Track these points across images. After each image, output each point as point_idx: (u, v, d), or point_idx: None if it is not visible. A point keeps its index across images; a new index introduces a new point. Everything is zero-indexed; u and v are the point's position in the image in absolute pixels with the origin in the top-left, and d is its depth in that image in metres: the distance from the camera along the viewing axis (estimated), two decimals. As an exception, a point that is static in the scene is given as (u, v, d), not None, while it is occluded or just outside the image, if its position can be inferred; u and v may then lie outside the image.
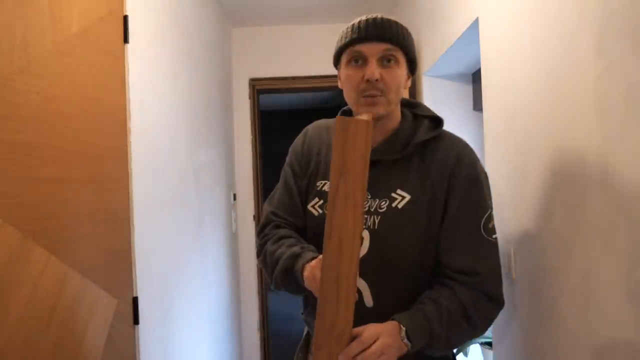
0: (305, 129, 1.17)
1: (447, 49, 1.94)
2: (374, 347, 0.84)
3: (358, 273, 0.84)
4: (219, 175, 2.77)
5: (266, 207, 1.15)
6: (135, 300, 1.40)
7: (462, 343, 0.98)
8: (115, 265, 1.31)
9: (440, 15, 2.03)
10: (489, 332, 1.83)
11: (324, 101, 5.37)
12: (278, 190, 1.14)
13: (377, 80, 0.94)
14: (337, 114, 1.11)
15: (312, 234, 1.06)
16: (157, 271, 1.63)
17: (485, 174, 1.02)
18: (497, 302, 0.98)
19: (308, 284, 0.91)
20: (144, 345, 1.45)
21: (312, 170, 1.10)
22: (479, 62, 1.57)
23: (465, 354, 1.92)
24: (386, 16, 0.98)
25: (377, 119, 0.97)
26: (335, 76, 1.08)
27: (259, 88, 3.36)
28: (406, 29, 1.00)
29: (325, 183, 1.06)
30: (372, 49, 0.95)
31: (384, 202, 0.98)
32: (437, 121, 1.04)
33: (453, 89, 2.41)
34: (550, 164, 1.06)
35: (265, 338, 3.40)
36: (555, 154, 1.03)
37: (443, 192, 0.97)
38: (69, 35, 1.14)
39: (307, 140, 1.13)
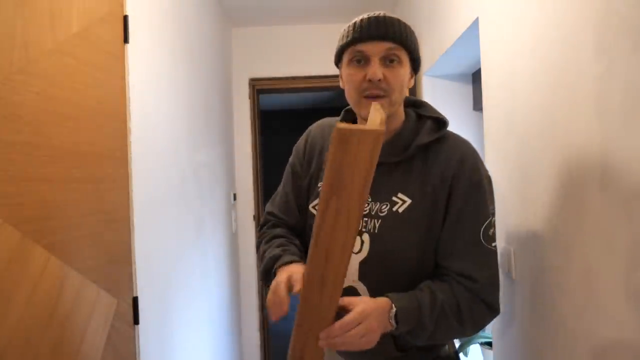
0: (309, 128, 1.16)
1: (447, 49, 1.94)
2: (355, 330, 0.82)
3: (357, 275, 0.83)
4: (219, 175, 2.77)
5: (267, 206, 1.19)
6: (135, 300, 1.40)
7: (446, 340, 0.97)
8: (115, 265, 1.31)
9: (440, 15, 2.03)
10: (489, 332, 1.83)
11: (324, 101, 5.37)
12: (279, 190, 1.17)
13: (379, 80, 0.92)
14: (339, 114, 1.12)
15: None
16: (157, 271, 1.63)
17: (489, 178, 1.00)
18: (492, 309, 0.96)
19: (269, 295, 0.89)
20: (144, 345, 1.45)
21: (314, 170, 1.09)
22: (479, 62, 1.57)
23: (466, 354, 1.92)
24: (389, 14, 0.95)
25: None
26: (335, 76, 1.06)
27: (259, 88, 3.37)
28: (409, 27, 0.97)
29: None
30: (375, 48, 0.92)
31: (384, 206, 0.97)
32: (441, 122, 1.01)
33: (453, 89, 2.41)
34: (550, 164, 1.06)
35: (265, 338, 3.41)
36: (555, 153, 1.03)
37: (444, 196, 0.95)
38: (69, 35, 1.14)
39: (309, 140, 1.13)
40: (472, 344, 1.88)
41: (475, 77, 2.30)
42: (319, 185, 1.07)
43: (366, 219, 0.97)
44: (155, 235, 1.63)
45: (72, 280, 1.10)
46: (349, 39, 0.95)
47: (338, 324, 0.81)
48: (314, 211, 1.05)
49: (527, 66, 1.15)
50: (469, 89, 2.40)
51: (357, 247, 0.97)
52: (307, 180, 1.10)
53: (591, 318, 0.90)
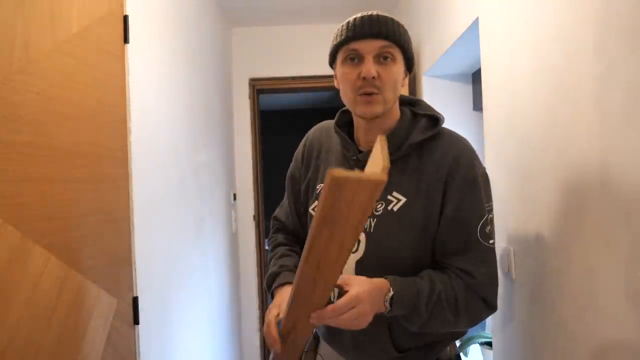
0: (307, 134, 1.18)
1: (447, 49, 1.94)
2: (347, 315, 0.81)
3: (353, 274, 0.83)
4: (219, 175, 2.77)
5: (275, 212, 1.25)
6: (135, 300, 1.40)
7: (439, 331, 0.96)
8: (115, 265, 1.31)
9: (440, 15, 2.03)
10: (489, 332, 1.83)
11: (324, 101, 5.37)
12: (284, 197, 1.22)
13: (373, 77, 0.92)
14: (337, 116, 1.12)
15: None
16: (157, 271, 1.63)
17: (486, 175, 0.99)
18: (489, 306, 0.96)
19: (265, 328, 0.92)
20: (144, 345, 1.45)
21: (312, 174, 1.11)
22: (479, 62, 1.57)
23: (466, 354, 1.92)
24: (382, 13, 0.95)
25: (374, 118, 0.96)
26: (335, 76, 1.07)
27: (259, 88, 3.37)
28: (402, 26, 0.97)
29: (322, 186, 1.06)
30: (368, 47, 0.93)
31: (379, 205, 0.97)
32: (435, 120, 1.00)
33: (453, 89, 2.41)
34: (550, 164, 1.05)
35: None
36: (555, 153, 1.03)
37: (440, 194, 0.95)
38: (69, 35, 1.14)
39: (307, 144, 1.15)
40: (472, 344, 1.88)
41: (475, 77, 2.30)
42: (317, 187, 1.08)
43: None
44: (155, 235, 1.64)
45: (72, 280, 1.10)
46: (342, 37, 0.95)
47: (330, 307, 0.81)
48: (313, 213, 1.06)
49: (527, 66, 1.16)
50: (469, 89, 2.40)
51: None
52: (305, 184, 1.12)
53: (591, 318, 0.90)
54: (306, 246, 0.70)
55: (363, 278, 0.87)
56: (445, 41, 1.96)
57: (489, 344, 1.75)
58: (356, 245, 0.98)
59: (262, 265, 3.40)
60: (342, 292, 0.84)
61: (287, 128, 5.69)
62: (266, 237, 1.26)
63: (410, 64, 1.00)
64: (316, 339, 1.17)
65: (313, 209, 1.07)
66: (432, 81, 2.41)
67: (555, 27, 1.01)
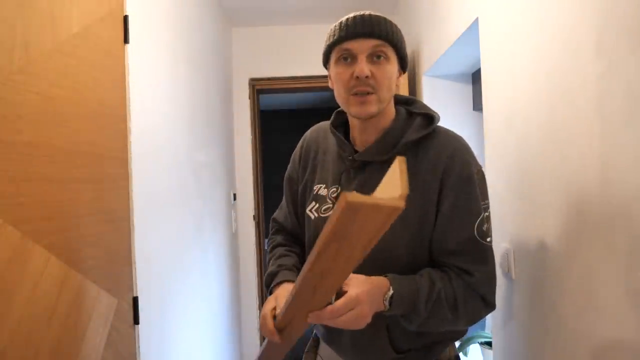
0: (304, 135, 1.18)
1: (447, 49, 1.94)
2: (345, 317, 0.81)
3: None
4: (219, 175, 2.77)
5: (274, 213, 1.25)
6: (135, 300, 1.41)
7: (437, 330, 0.96)
8: (115, 265, 1.31)
9: (440, 15, 2.03)
10: (488, 332, 1.83)
11: (324, 101, 5.37)
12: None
13: (367, 77, 0.91)
14: (332, 116, 1.12)
15: (309, 236, 1.08)
16: (157, 271, 1.63)
17: (482, 173, 0.99)
18: (488, 305, 0.96)
19: (260, 320, 0.93)
20: (144, 345, 1.45)
21: (309, 175, 1.11)
22: (479, 62, 1.57)
23: (465, 354, 1.92)
24: (374, 12, 0.95)
25: (369, 118, 0.96)
26: (335, 76, 1.07)
27: (259, 88, 3.37)
28: (395, 25, 0.97)
29: (320, 187, 1.07)
30: (361, 46, 0.92)
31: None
32: (430, 118, 0.99)
33: (453, 89, 2.41)
34: (550, 164, 1.06)
35: (265, 338, 3.41)
36: (555, 153, 1.03)
37: (435, 192, 0.94)
38: (70, 35, 1.14)
39: (305, 146, 1.15)
40: (472, 344, 1.88)
41: (475, 77, 2.30)
42: (314, 188, 1.08)
43: None
44: (155, 235, 1.64)
45: (72, 280, 1.11)
46: (335, 38, 0.95)
47: (329, 308, 0.81)
48: (310, 214, 1.07)
49: (527, 66, 1.16)
50: (469, 89, 2.40)
51: None
52: (303, 185, 1.12)
53: (591, 318, 0.90)
54: (311, 256, 0.67)
55: (362, 277, 0.86)
56: (445, 41, 1.96)
57: (489, 344, 1.75)
58: None
59: (262, 265, 3.40)
60: (340, 292, 0.83)
61: (286, 128, 5.70)
62: (266, 237, 1.26)
63: (404, 63, 1.00)
64: (316, 339, 1.17)
65: (310, 210, 1.07)
66: (432, 81, 2.41)
67: (555, 27, 1.01)
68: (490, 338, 1.69)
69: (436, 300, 0.90)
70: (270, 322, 0.88)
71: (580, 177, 0.93)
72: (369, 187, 0.98)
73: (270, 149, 5.27)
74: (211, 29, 2.69)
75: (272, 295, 0.97)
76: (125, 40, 1.42)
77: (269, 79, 3.33)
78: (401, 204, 0.58)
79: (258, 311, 3.35)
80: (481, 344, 1.85)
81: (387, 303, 0.87)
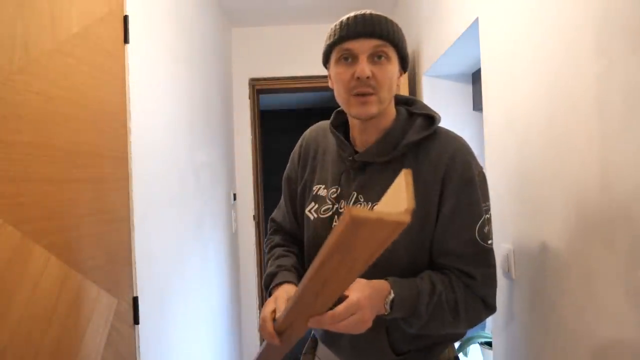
0: (303, 135, 1.17)
1: (447, 49, 1.94)
2: (346, 322, 0.80)
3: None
4: (219, 175, 2.77)
5: (273, 214, 1.25)
6: (135, 300, 1.41)
7: (438, 332, 0.96)
8: (115, 265, 1.31)
9: (440, 15, 2.03)
10: (488, 332, 1.83)
11: (324, 101, 5.37)
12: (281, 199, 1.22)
13: (368, 77, 0.90)
14: (332, 116, 1.11)
15: (308, 237, 1.07)
16: (157, 271, 1.63)
17: (483, 175, 0.98)
18: (489, 307, 0.95)
19: (260, 324, 0.92)
20: (144, 345, 1.45)
21: (308, 175, 1.10)
22: (479, 62, 1.57)
23: (465, 354, 1.92)
24: (375, 12, 0.94)
25: (369, 118, 0.95)
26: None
27: (259, 88, 3.37)
28: (396, 25, 0.96)
29: (320, 187, 1.06)
30: (362, 46, 0.91)
31: (375, 205, 0.96)
32: (431, 119, 0.98)
33: (453, 89, 2.41)
34: (550, 164, 1.06)
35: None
36: (555, 153, 1.03)
37: (436, 194, 0.93)
38: (69, 35, 1.14)
39: (304, 145, 1.14)
40: (472, 344, 1.88)
41: (475, 77, 2.30)
42: (314, 188, 1.07)
43: None
44: (155, 235, 1.64)
45: (72, 280, 1.10)
46: (335, 37, 0.94)
47: (330, 314, 0.80)
48: (309, 215, 1.06)
49: (527, 66, 1.16)
50: (469, 89, 2.40)
51: None
52: (302, 185, 1.11)
53: (591, 318, 0.90)
54: (314, 264, 0.67)
55: (363, 281, 0.85)
56: (445, 41, 1.96)
57: (489, 344, 1.75)
58: None
59: (262, 265, 3.40)
60: (342, 297, 0.82)
61: (287, 128, 5.69)
62: (266, 237, 1.26)
63: (405, 63, 0.99)
64: (314, 341, 1.17)
65: (309, 211, 1.06)
66: (432, 81, 2.41)
67: (555, 27, 1.01)
68: (490, 338, 1.69)
69: (437, 304, 0.89)
70: (270, 325, 0.88)
71: (580, 177, 0.93)
72: (368, 187, 0.98)
73: (270, 149, 5.27)
74: (211, 29, 2.69)
75: (272, 297, 0.97)
76: (125, 40, 1.42)
77: (269, 79, 3.33)
78: (407, 218, 0.58)
79: (258, 311, 3.35)
80: (481, 344, 1.85)
81: (387, 307, 0.86)
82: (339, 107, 1.03)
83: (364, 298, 0.82)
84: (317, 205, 1.05)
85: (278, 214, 1.21)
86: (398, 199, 0.64)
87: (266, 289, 1.06)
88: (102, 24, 1.29)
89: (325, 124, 1.13)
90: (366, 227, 0.57)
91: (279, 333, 0.87)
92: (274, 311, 0.90)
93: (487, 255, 0.94)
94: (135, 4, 1.51)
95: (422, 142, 0.97)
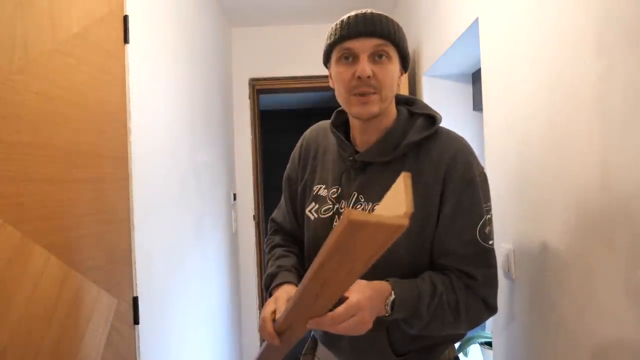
0: (303, 134, 1.17)
1: (447, 49, 1.94)
2: (346, 324, 0.80)
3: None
4: (219, 175, 2.77)
5: (273, 214, 1.24)
6: (135, 300, 1.41)
7: (438, 333, 0.95)
8: (115, 265, 1.31)
9: (440, 15, 2.03)
10: (488, 332, 1.83)
11: (324, 101, 5.37)
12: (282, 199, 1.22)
13: (368, 77, 0.90)
14: (333, 116, 1.11)
15: (308, 237, 1.07)
16: (157, 271, 1.63)
17: (484, 175, 0.98)
18: (490, 308, 0.95)
19: (260, 324, 0.93)
20: (144, 345, 1.45)
21: (309, 174, 1.10)
22: (479, 62, 1.57)
23: (466, 354, 1.92)
24: (376, 11, 0.94)
25: (370, 118, 0.95)
26: (336, 76, 1.06)
27: (259, 88, 3.37)
28: (397, 24, 0.95)
29: (320, 187, 1.06)
30: (363, 45, 0.91)
31: (376, 206, 0.96)
32: (432, 119, 0.98)
33: (453, 89, 2.40)
34: (550, 164, 1.05)
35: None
36: (555, 153, 1.03)
37: (437, 195, 0.93)
38: (69, 35, 1.14)
39: (304, 145, 1.14)
40: (472, 344, 1.88)
41: (475, 77, 2.30)
42: (314, 188, 1.07)
43: None
44: (155, 235, 1.64)
45: (72, 280, 1.10)
46: (336, 37, 0.94)
47: (330, 315, 0.79)
48: (310, 215, 1.06)
49: (527, 66, 1.16)
50: (469, 89, 2.40)
51: None
52: (302, 185, 1.11)
53: (591, 318, 0.90)
54: (314, 265, 0.67)
55: (363, 282, 0.85)
56: (445, 41, 1.96)
57: (489, 344, 1.75)
58: None
59: (262, 265, 3.40)
60: (341, 299, 0.82)
61: (287, 128, 5.69)
62: (266, 237, 1.26)
63: (405, 62, 0.99)
64: (314, 341, 1.17)
65: (310, 211, 1.06)
66: (432, 81, 2.41)
67: (555, 27, 1.01)
68: (491, 338, 1.69)
69: (438, 304, 0.89)
70: (269, 326, 0.88)
71: (580, 176, 0.93)
72: (369, 187, 0.98)
73: (270, 149, 5.27)
74: (211, 29, 2.69)
75: (272, 297, 0.97)
76: (125, 40, 1.42)
77: (269, 79, 3.33)
78: (405, 222, 0.59)
79: (258, 311, 3.35)
80: (481, 344, 1.85)
81: (388, 308, 0.85)
82: (340, 107, 1.03)
83: (364, 299, 0.82)
84: (317, 205, 1.04)
85: (278, 214, 1.21)
86: (397, 202, 0.64)
87: (266, 289, 1.06)
88: (102, 24, 1.29)
89: (325, 123, 1.13)
90: (365, 230, 0.57)
91: (279, 333, 0.87)
92: (274, 312, 0.90)
93: (488, 256, 0.94)
94: (135, 4, 1.51)
95: (423, 142, 0.96)
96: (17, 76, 0.96)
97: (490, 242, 0.95)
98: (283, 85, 3.35)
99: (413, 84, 2.61)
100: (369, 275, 0.88)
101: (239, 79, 3.31)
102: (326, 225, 1.02)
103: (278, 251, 1.14)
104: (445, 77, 2.39)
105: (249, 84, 3.33)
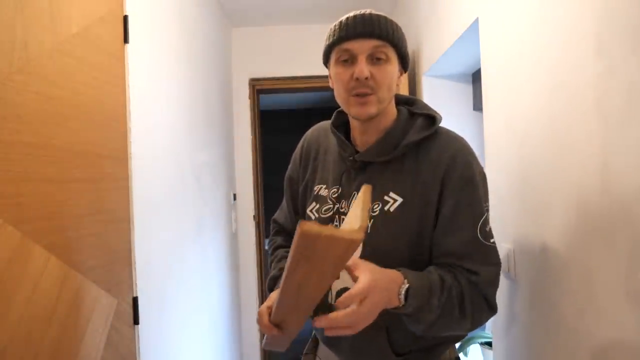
0: (305, 135, 1.18)
1: (447, 49, 1.94)
2: (356, 313, 0.75)
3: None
4: (219, 175, 2.77)
5: (275, 214, 1.26)
6: (135, 300, 1.41)
7: (443, 333, 0.91)
8: (115, 265, 1.31)
9: (440, 15, 2.03)
10: (488, 332, 1.83)
11: (324, 101, 5.37)
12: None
13: (367, 78, 0.90)
14: (333, 116, 1.12)
15: None
16: (157, 271, 1.63)
17: (483, 174, 0.98)
18: (491, 307, 0.94)
19: (257, 318, 0.93)
20: (144, 345, 1.45)
21: (310, 174, 1.11)
22: (479, 62, 1.57)
23: (466, 354, 1.92)
24: (375, 12, 0.94)
25: (369, 119, 0.95)
26: (335, 76, 1.06)
27: (259, 88, 3.37)
28: (396, 24, 0.95)
29: (321, 187, 1.06)
30: (361, 46, 0.91)
31: (376, 206, 0.95)
32: (432, 119, 0.98)
33: (453, 89, 2.41)
34: (550, 164, 1.06)
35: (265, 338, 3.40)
36: (555, 153, 1.03)
37: (436, 194, 0.93)
38: (69, 35, 1.14)
39: (305, 145, 1.15)
40: (472, 344, 1.88)
41: (475, 77, 2.30)
42: (315, 188, 1.08)
43: None
44: (155, 235, 1.63)
45: (72, 280, 1.10)
46: (335, 37, 0.94)
47: (340, 301, 0.75)
48: (311, 215, 1.06)
49: (527, 66, 1.16)
50: (469, 89, 2.40)
51: None
52: (303, 185, 1.11)
53: (591, 318, 0.90)
54: (285, 270, 0.68)
55: (371, 267, 0.80)
56: (445, 41, 1.96)
57: (489, 344, 1.75)
58: None
59: (262, 265, 3.40)
60: (342, 292, 0.82)
61: (287, 128, 5.70)
62: (266, 237, 1.27)
63: (405, 62, 0.99)
64: (315, 341, 1.17)
65: (311, 211, 1.06)
66: (432, 81, 2.41)
67: (555, 27, 1.01)
68: (491, 338, 1.69)
69: (447, 297, 0.87)
70: (265, 318, 0.89)
71: (580, 177, 0.93)
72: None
73: (270, 149, 5.27)
74: (211, 29, 2.69)
75: (271, 296, 0.99)
76: (125, 40, 1.42)
77: (269, 79, 3.33)
78: (359, 236, 0.60)
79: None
80: (481, 344, 1.85)
81: (402, 297, 0.82)
82: (340, 107, 1.03)
83: (375, 280, 0.78)
84: (318, 205, 1.05)
85: (280, 214, 1.22)
86: (356, 215, 0.66)
87: (270, 292, 1.07)
88: (102, 24, 1.29)
89: (326, 124, 1.13)
90: (319, 241, 0.59)
91: (276, 325, 0.88)
92: (270, 306, 0.91)
93: (490, 254, 0.93)
94: (135, 4, 1.51)
95: (422, 142, 0.97)
96: (17, 76, 0.96)
97: (492, 241, 0.94)
98: (283, 85, 3.35)
99: (413, 84, 2.62)
100: None
101: (239, 79, 3.31)
102: (327, 224, 1.02)
103: (280, 252, 1.15)
104: (445, 77, 2.39)
105: (249, 84, 3.33)
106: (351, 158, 1.00)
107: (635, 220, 0.77)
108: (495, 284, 0.94)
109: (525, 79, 1.17)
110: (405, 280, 0.83)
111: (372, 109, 0.93)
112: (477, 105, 2.34)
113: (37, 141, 1.01)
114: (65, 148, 1.11)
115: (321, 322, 0.77)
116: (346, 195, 1.00)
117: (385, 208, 0.95)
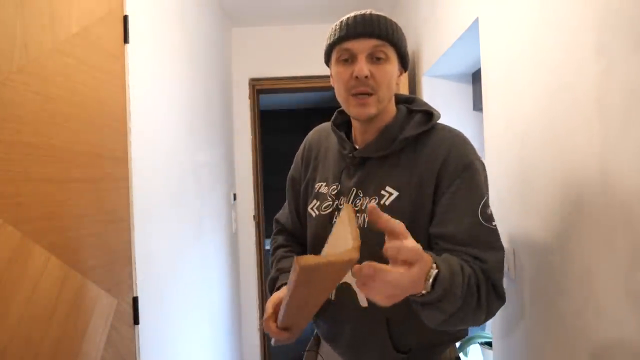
0: (306, 137, 1.20)
1: (447, 49, 1.94)
2: (406, 271, 0.65)
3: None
4: (219, 175, 2.77)
5: (277, 214, 1.27)
6: (135, 300, 1.41)
7: (456, 326, 0.82)
8: (115, 265, 1.31)
9: (440, 15, 2.03)
10: (488, 332, 1.83)
11: (325, 101, 5.37)
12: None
13: (366, 77, 0.91)
14: (334, 115, 1.13)
15: (311, 233, 1.08)
16: (157, 271, 1.63)
17: (482, 163, 0.96)
18: (500, 296, 0.88)
19: (264, 325, 0.95)
20: (144, 345, 1.45)
21: (311, 173, 1.12)
22: (479, 62, 1.56)
23: (466, 354, 1.92)
24: (375, 12, 0.95)
25: (368, 119, 0.96)
26: (335, 76, 1.07)
27: (259, 88, 3.37)
28: (395, 24, 0.96)
29: (321, 185, 1.08)
30: (361, 46, 0.92)
31: (373, 200, 0.96)
32: (430, 115, 0.98)
33: (453, 89, 2.41)
34: (550, 164, 1.06)
35: (265, 338, 3.41)
36: (555, 153, 1.03)
37: (432, 186, 0.92)
38: (69, 35, 1.14)
39: (306, 146, 1.17)
40: (472, 344, 1.88)
41: (475, 77, 2.30)
42: (315, 186, 1.09)
43: (357, 214, 0.97)
44: (155, 235, 1.64)
45: (72, 280, 1.10)
46: (335, 37, 0.96)
47: (387, 268, 0.64)
48: (312, 212, 1.07)
49: (527, 66, 1.16)
50: (469, 89, 2.40)
51: None
52: (305, 184, 1.13)
53: (591, 318, 0.90)
54: (288, 291, 0.72)
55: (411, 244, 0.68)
56: (445, 41, 1.96)
57: (489, 344, 1.75)
58: None
59: (262, 265, 3.40)
60: (342, 286, 0.83)
61: (287, 128, 5.69)
62: (266, 237, 1.28)
63: (405, 62, 1.00)
64: (317, 338, 1.17)
65: (312, 208, 1.07)
66: (432, 81, 2.41)
67: (555, 27, 1.01)
68: (491, 338, 1.69)
69: (468, 286, 0.79)
70: (272, 326, 0.91)
71: (580, 177, 0.93)
72: (367, 182, 0.99)
73: (270, 149, 5.27)
74: (211, 28, 2.69)
75: (270, 298, 1.00)
76: (125, 40, 1.42)
77: (269, 79, 3.33)
78: (355, 255, 0.60)
79: (258, 311, 3.35)
80: (481, 344, 1.85)
81: (429, 283, 0.72)
82: (340, 107, 1.04)
83: (420, 252, 0.67)
84: (318, 203, 1.06)
85: (282, 214, 1.24)
86: (346, 235, 0.66)
87: (270, 292, 1.08)
88: (102, 24, 1.30)
89: (328, 125, 1.15)
90: (319, 270, 0.60)
91: (285, 328, 0.90)
92: (272, 314, 0.94)
93: (493, 237, 0.90)
94: (135, 4, 1.51)
95: (420, 137, 0.97)
96: (17, 76, 0.96)
97: (494, 224, 0.91)
98: (283, 85, 3.35)
99: (413, 85, 2.62)
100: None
101: (239, 79, 3.31)
102: (326, 222, 1.02)
103: (280, 253, 1.16)
104: (445, 77, 2.39)
105: (249, 84, 3.33)
106: (350, 155, 1.01)
107: (635, 220, 0.77)
108: (502, 270, 0.89)
109: (525, 79, 1.17)
110: (435, 265, 0.73)
111: (372, 110, 0.94)
112: (477, 105, 2.34)
113: (37, 141, 1.01)
114: (65, 148, 1.11)
115: (363, 269, 0.62)
116: (345, 192, 1.01)
117: (382, 202, 0.95)
